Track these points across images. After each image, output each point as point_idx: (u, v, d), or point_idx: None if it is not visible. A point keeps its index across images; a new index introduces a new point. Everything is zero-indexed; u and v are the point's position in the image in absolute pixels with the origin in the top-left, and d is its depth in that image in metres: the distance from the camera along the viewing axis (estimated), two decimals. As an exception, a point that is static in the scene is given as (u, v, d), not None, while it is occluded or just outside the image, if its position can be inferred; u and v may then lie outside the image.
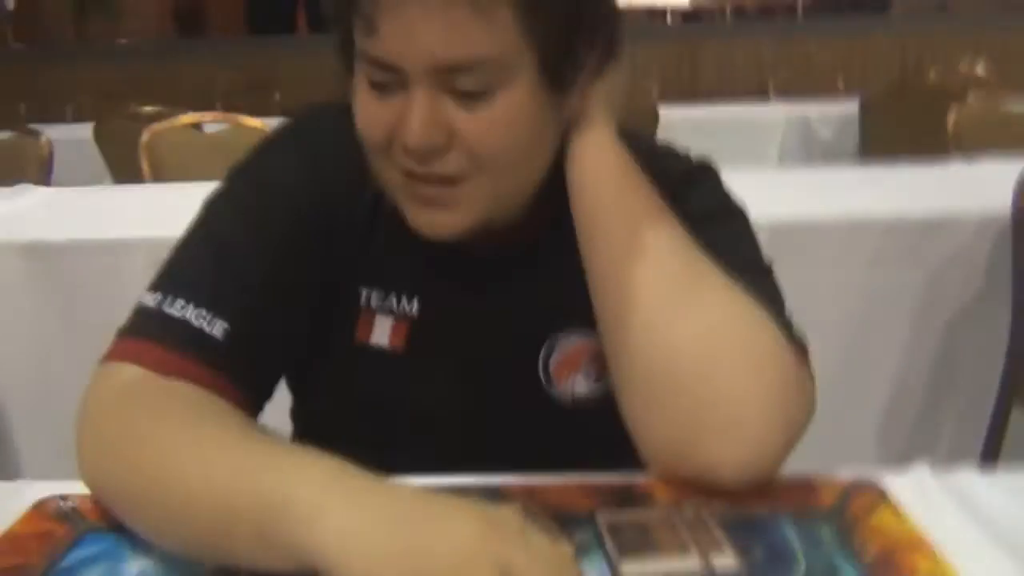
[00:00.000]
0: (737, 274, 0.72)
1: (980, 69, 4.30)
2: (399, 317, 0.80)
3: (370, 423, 0.84)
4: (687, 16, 7.50)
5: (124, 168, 3.21)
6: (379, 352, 0.81)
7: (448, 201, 0.70)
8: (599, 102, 0.75)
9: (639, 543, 0.61)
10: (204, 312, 0.69)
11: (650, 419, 0.70)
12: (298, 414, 0.93)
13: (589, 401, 0.83)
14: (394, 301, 0.80)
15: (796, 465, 0.70)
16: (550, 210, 0.78)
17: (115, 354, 0.69)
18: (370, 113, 0.70)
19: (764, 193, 1.90)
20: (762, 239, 1.64)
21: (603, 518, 0.64)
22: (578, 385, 0.83)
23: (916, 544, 0.59)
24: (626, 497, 0.67)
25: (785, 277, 1.67)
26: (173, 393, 0.66)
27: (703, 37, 5.96)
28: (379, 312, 0.80)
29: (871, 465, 0.70)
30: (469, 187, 0.70)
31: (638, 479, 0.69)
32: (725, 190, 0.84)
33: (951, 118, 2.51)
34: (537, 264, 0.82)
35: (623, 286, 0.71)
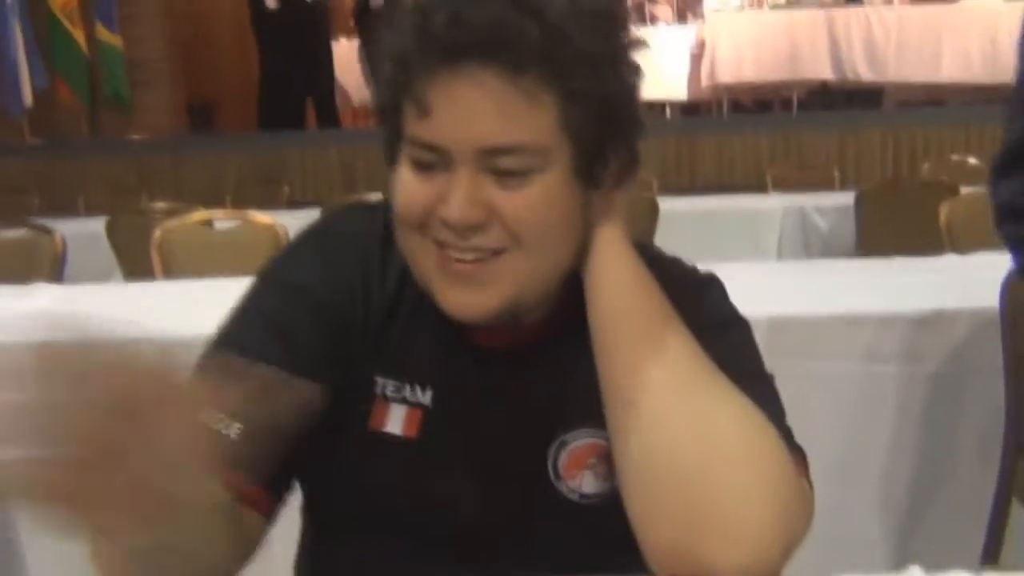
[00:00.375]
0: (741, 382, 0.74)
1: (972, 160, 4.41)
2: (413, 406, 0.83)
3: (381, 511, 0.86)
4: (685, 109, 7.71)
5: (135, 262, 3.28)
6: (393, 439, 0.83)
7: (480, 278, 0.74)
8: (621, 207, 0.80)
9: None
10: (222, 416, 0.73)
11: (651, 519, 0.72)
12: (309, 506, 0.95)
13: (596, 499, 0.85)
14: (408, 390, 0.83)
15: (791, 568, 0.71)
16: (566, 311, 0.82)
17: None
18: (412, 191, 0.74)
19: (763, 286, 1.96)
20: (761, 333, 1.68)
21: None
22: (586, 483, 0.85)
23: (909, 650, 0.60)
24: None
25: (783, 369, 1.71)
26: None
27: (701, 130, 6.12)
28: (393, 401, 0.83)
29: (867, 567, 0.71)
30: (502, 264, 0.74)
31: (640, 584, 0.71)
32: (729, 301, 0.88)
33: (943, 211, 2.58)
34: (550, 362, 0.84)
35: (632, 386, 0.74)
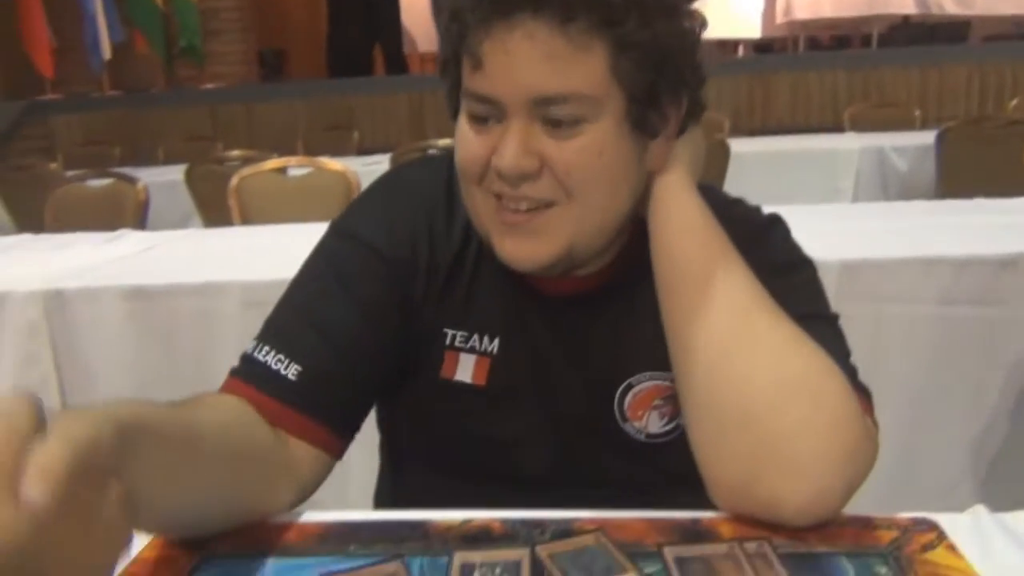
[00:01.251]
0: (804, 322, 0.76)
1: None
2: (481, 355, 0.87)
3: (454, 453, 0.91)
4: (759, 47, 7.49)
5: (213, 208, 3.38)
6: (463, 387, 0.87)
7: (533, 228, 0.76)
8: (683, 153, 0.80)
9: (704, 576, 0.65)
10: (283, 357, 0.80)
11: (717, 456, 0.74)
12: (386, 444, 1.01)
13: (661, 438, 0.88)
14: (477, 341, 0.87)
15: (862, 503, 0.73)
16: (629, 256, 0.85)
17: (222, 387, 0.81)
18: (469, 144, 0.77)
19: (836, 229, 1.93)
20: (833, 276, 1.66)
21: (670, 552, 0.68)
22: (651, 423, 0.88)
23: (971, 582, 0.62)
24: (692, 533, 0.71)
25: (856, 313, 1.69)
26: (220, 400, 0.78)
27: (775, 69, 5.95)
28: (463, 351, 0.87)
29: (939, 508, 0.72)
30: (554, 214, 0.75)
31: (704, 516, 0.73)
32: (794, 242, 0.89)
33: (1030, 150, 2.48)
34: (615, 307, 0.87)
35: (696, 328, 0.75)
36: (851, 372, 0.77)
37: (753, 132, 4.58)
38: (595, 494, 0.79)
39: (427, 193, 0.87)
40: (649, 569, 0.66)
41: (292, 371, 0.79)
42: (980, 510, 0.71)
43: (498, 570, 0.68)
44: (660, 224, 0.79)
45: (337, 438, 0.83)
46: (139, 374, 1.79)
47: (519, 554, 0.69)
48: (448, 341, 0.87)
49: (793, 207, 2.18)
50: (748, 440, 0.71)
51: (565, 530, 0.73)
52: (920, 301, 1.64)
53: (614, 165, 0.75)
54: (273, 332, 0.83)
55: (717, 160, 3.17)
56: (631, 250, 0.85)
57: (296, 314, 0.83)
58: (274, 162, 3.05)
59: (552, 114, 0.72)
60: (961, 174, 3.20)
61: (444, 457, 0.92)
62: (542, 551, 0.70)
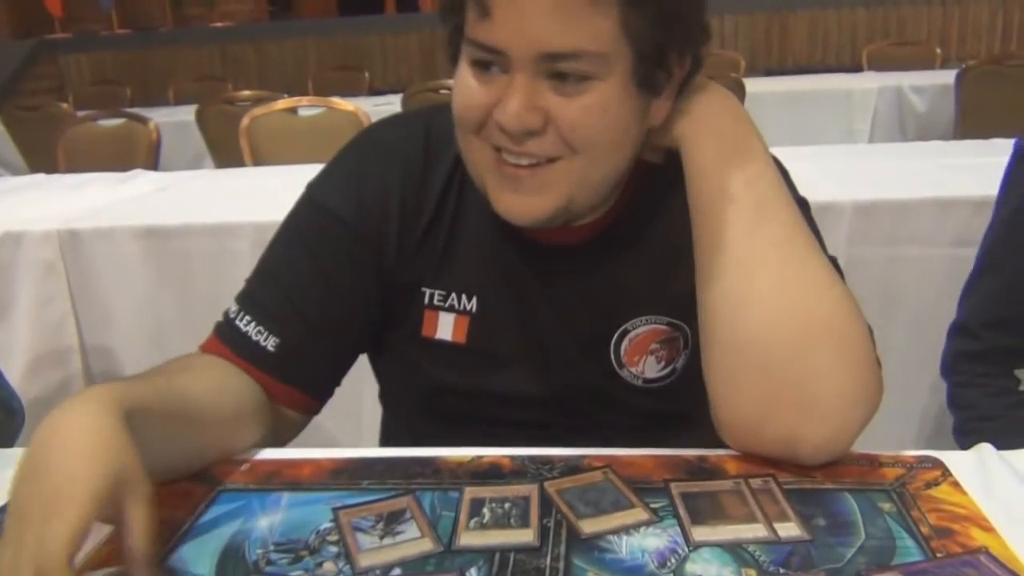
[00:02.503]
0: None
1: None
2: (460, 313, 0.87)
3: (443, 406, 0.93)
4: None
5: (224, 149, 3.38)
6: (444, 345, 0.88)
7: (535, 183, 0.75)
8: (709, 118, 0.78)
9: (710, 511, 0.66)
10: (262, 329, 0.84)
11: (737, 392, 0.74)
12: (384, 398, 1.04)
13: (658, 382, 0.89)
14: (455, 299, 0.87)
15: (872, 440, 0.74)
16: (622, 209, 0.84)
17: (204, 346, 0.86)
18: (470, 93, 0.74)
19: (851, 170, 1.91)
20: (847, 217, 1.64)
21: (676, 488, 0.69)
22: (648, 368, 0.88)
23: (974, 518, 0.63)
24: (698, 470, 0.72)
25: (868, 254, 1.68)
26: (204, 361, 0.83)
27: (793, 5, 5.82)
28: (441, 310, 0.88)
29: (946, 445, 0.73)
30: (556, 170, 0.74)
31: (710, 454, 0.74)
32: (791, 181, 0.87)
33: (1051, 90, 2.43)
34: (607, 257, 0.86)
35: (725, 263, 0.74)
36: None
37: (770, 71, 4.51)
38: (592, 437, 0.80)
39: (401, 153, 0.85)
40: (655, 504, 0.68)
41: (271, 343, 0.83)
42: (985, 448, 0.72)
43: (507, 505, 0.69)
44: (693, 165, 0.77)
45: (313, 399, 0.88)
46: (154, 312, 1.81)
47: (528, 489, 0.71)
48: (427, 300, 0.88)
49: (806, 148, 2.17)
50: (771, 379, 0.71)
51: (574, 467, 0.74)
52: (935, 243, 1.62)
53: (618, 123, 0.74)
54: (252, 300, 0.86)
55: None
56: (628, 201, 0.84)
57: (272, 284, 0.86)
58: (285, 102, 3.02)
59: (559, 69, 0.70)
60: (981, 114, 3.14)
61: (434, 407, 0.94)
62: (551, 487, 0.71)
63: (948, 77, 3.40)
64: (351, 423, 1.53)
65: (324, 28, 6.64)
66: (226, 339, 0.85)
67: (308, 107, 3.01)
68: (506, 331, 0.87)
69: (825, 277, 0.74)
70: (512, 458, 0.76)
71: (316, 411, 0.89)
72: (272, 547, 0.66)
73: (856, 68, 4.37)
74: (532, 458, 0.76)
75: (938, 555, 0.59)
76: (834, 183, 1.75)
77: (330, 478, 0.75)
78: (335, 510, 0.70)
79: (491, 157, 0.76)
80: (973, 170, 1.82)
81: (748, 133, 0.78)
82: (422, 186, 0.85)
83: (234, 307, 0.86)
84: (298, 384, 0.85)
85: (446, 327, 0.87)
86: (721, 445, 0.76)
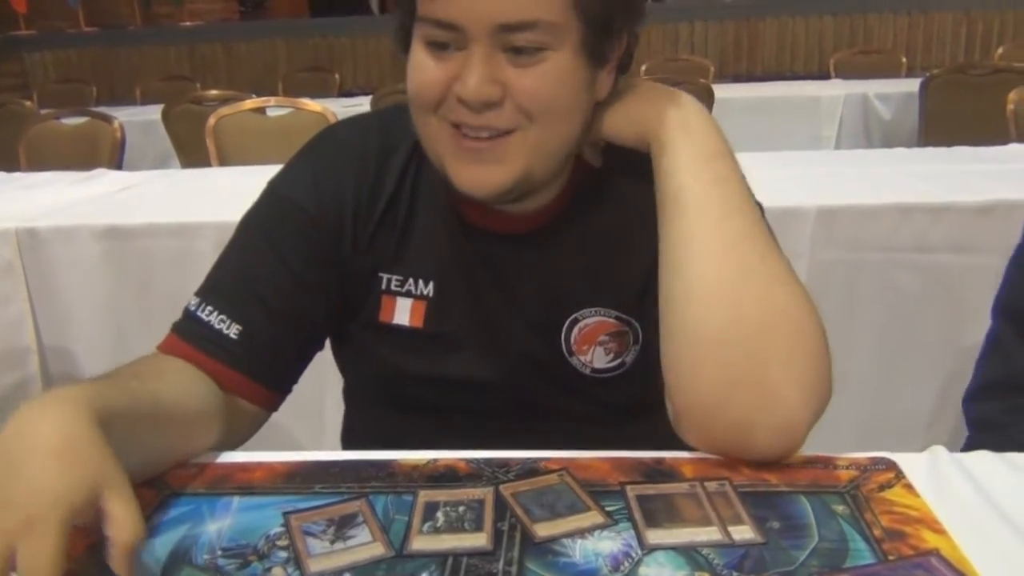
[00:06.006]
0: None
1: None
2: (416, 298, 0.89)
3: (402, 392, 0.93)
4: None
5: (190, 149, 3.34)
6: (402, 330, 0.89)
7: (495, 154, 0.77)
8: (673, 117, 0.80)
9: (664, 514, 0.66)
10: (224, 317, 0.83)
11: (694, 378, 0.74)
12: (346, 391, 1.03)
13: (607, 372, 0.90)
14: (411, 284, 0.89)
15: (831, 443, 0.74)
16: (569, 195, 0.86)
17: (162, 346, 0.85)
18: (427, 72, 0.76)
19: (816, 175, 1.93)
20: (811, 222, 1.66)
21: (632, 491, 0.69)
22: (597, 359, 0.90)
23: (925, 520, 0.63)
24: (654, 472, 0.72)
25: (831, 258, 1.69)
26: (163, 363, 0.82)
27: (762, 14, 5.88)
28: (399, 295, 0.89)
29: (910, 447, 0.74)
30: (514, 141, 0.76)
31: (666, 456, 0.74)
32: (748, 187, 0.88)
33: (1012, 99, 2.47)
34: (557, 244, 0.88)
35: (695, 255, 0.75)
36: None
37: (738, 77, 4.54)
38: (542, 427, 0.82)
39: (357, 149, 0.88)
40: (611, 507, 0.67)
41: (233, 331, 0.83)
42: (938, 450, 0.72)
43: (462, 508, 0.68)
44: (662, 162, 0.79)
45: (273, 393, 0.87)
46: (114, 313, 1.78)
47: (483, 493, 0.70)
48: (384, 286, 0.89)
49: (773, 154, 2.19)
50: (731, 366, 0.72)
51: (530, 469, 0.73)
52: (896, 248, 1.64)
53: (572, 93, 0.77)
54: (213, 291, 0.86)
55: (701, 103, 3.14)
56: (574, 186, 0.86)
57: (234, 275, 0.86)
58: (253, 102, 3.00)
59: (515, 42, 0.73)
60: (945, 122, 3.19)
61: (394, 395, 0.94)
62: (506, 490, 0.70)
63: (913, 85, 3.45)
64: (313, 425, 1.52)
65: (294, 29, 6.60)
66: (186, 335, 0.84)
67: (276, 107, 2.99)
68: (461, 316, 0.89)
69: (784, 272, 0.76)
70: (468, 461, 0.75)
71: (274, 407, 0.89)
72: (220, 552, 0.65)
73: (823, 75, 4.41)
74: (488, 461, 0.75)
75: (890, 557, 0.59)
76: (799, 188, 1.76)
77: (282, 482, 0.74)
78: (285, 514, 0.69)
79: (449, 134, 0.77)
80: (934, 177, 1.84)
81: (716, 135, 0.80)
82: (377, 178, 0.87)
83: (194, 300, 0.86)
84: (259, 376, 0.85)
85: (403, 312, 0.89)
86: (673, 437, 0.77)
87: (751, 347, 0.72)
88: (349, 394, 1.03)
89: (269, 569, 0.63)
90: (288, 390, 0.90)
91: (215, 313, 0.83)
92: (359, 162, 0.88)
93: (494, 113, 0.75)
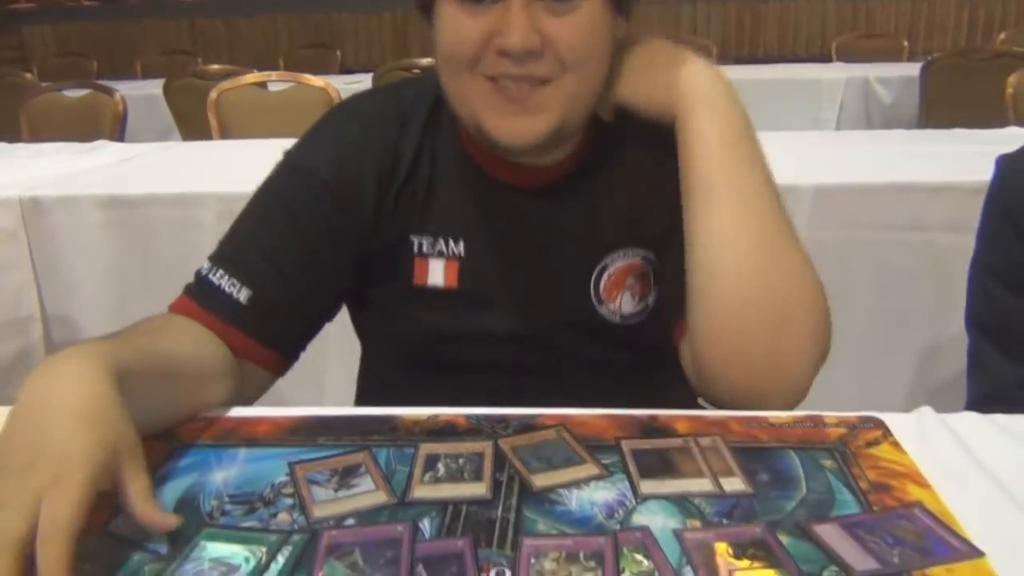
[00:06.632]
0: None
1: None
2: (449, 258, 0.90)
3: (432, 352, 0.94)
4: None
5: (192, 123, 3.34)
6: (436, 291, 0.90)
7: (533, 104, 0.79)
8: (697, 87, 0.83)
9: (658, 467, 0.68)
10: (236, 281, 0.84)
11: (725, 350, 0.80)
12: (364, 349, 1.04)
13: (634, 318, 0.92)
14: (443, 244, 0.90)
15: (835, 404, 0.77)
16: (590, 145, 0.89)
17: (173, 306, 0.86)
18: (463, 28, 0.78)
19: (815, 154, 1.94)
20: (809, 200, 1.67)
21: (627, 445, 0.71)
22: (625, 304, 0.92)
23: (910, 474, 0.65)
24: (649, 429, 0.74)
25: (829, 237, 1.71)
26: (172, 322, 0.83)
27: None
28: (431, 257, 0.90)
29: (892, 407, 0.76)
30: (551, 90, 0.79)
31: (661, 414, 0.76)
32: None
33: (1010, 82, 2.48)
34: (581, 193, 0.90)
35: (725, 242, 0.80)
36: None
37: (741, 59, 4.54)
38: (572, 381, 0.85)
39: (374, 117, 0.90)
40: (606, 460, 0.69)
41: (243, 295, 0.84)
42: (925, 411, 0.74)
43: (461, 460, 0.70)
44: (689, 136, 0.82)
45: (282, 358, 0.89)
46: (116, 282, 1.80)
47: (483, 446, 0.72)
48: (416, 249, 0.90)
49: (773, 133, 2.20)
50: (754, 342, 0.79)
51: (528, 425, 0.75)
52: (893, 227, 1.66)
53: (603, 40, 0.80)
54: (227, 256, 0.87)
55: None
56: (591, 138, 0.89)
57: (248, 241, 0.88)
58: (254, 76, 3.00)
59: None
60: (944, 106, 3.19)
61: (426, 356, 0.95)
62: (504, 444, 0.72)
63: (914, 69, 3.45)
64: (313, 392, 1.54)
65: (296, 5, 6.57)
66: (197, 297, 0.86)
67: (278, 82, 2.99)
68: (493, 272, 0.90)
69: (801, 255, 0.82)
70: (468, 417, 0.77)
71: (282, 372, 0.90)
72: (227, 499, 0.66)
73: (825, 59, 4.41)
74: (487, 417, 0.77)
75: (875, 508, 0.62)
76: (798, 167, 1.78)
77: (287, 435, 0.76)
78: (291, 464, 0.71)
79: (487, 89, 0.79)
80: (932, 157, 1.85)
81: (739, 110, 0.83)
82: (398, 144, 0.89)
83: (207, 264, 0.87)
84: (268, 340, 0.86)
85: (437, 273, 0.90)
86: (687, 387, 0.83)
87: (774, 327, 0.79)
88: (365, 353, 1.04)
89: (275, 515, 0.64)
90: (295, 357, 0.91)
91: (226, 277, 0.85)
92: (378, 129, 0.89)
93: (535, 63, 0.77)
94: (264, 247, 0.86)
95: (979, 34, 5.14)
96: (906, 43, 4.50)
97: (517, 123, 0.80)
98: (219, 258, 0.87)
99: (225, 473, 0.70)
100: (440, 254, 0.90)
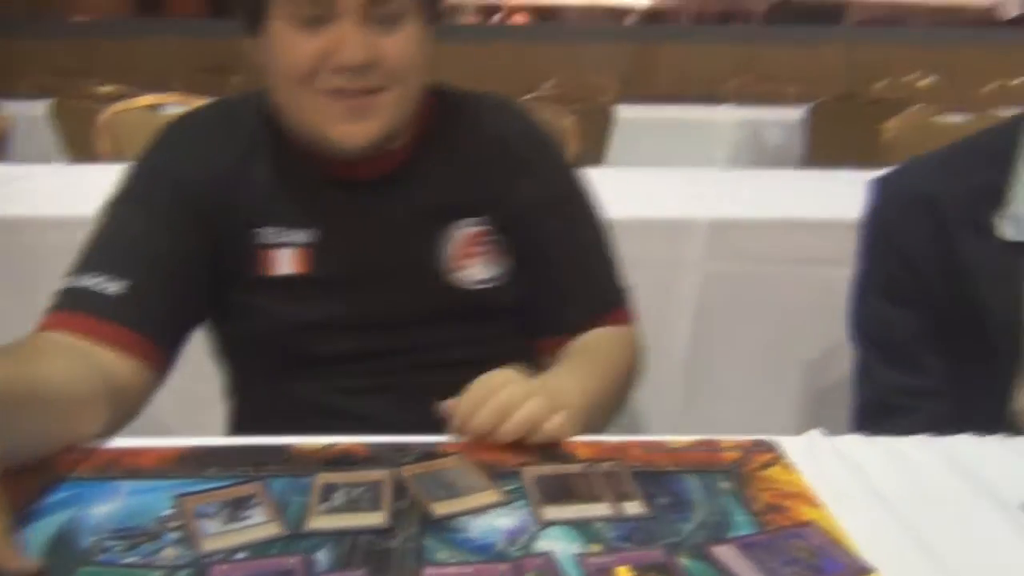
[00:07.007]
0: (599, 243, 1.02)
1: (927, 82, 4.45)
2: (297, 246, 0.93)
3: (292, 348, 0.95)
4: (648, 17, 7.61)
5: (78, 146, 3.20)
6: (285, 280, 0.93)
7: (369, 111, 0.87)
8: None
9: (559, 492, 0.67)
10: (103, 278, 0.85)
11: None
12: (222, 354, 1.03)
13: (490, 282, 0.97)
14: (289, 235, 0.93)
15: (725, 427, 0.79)
16: (422, 131, 0.96)
17: (42, 326, 0.85)
18: (299, 48, 0.84)
19: (708, 191, 2.00)
20: (704, 234, 1.72)
21: (528, 472, 0.71)
22: (478, 270, 0.96)
23: (802, 495, 0.67)
24: (550, 455, 0.74)
25: (721, 269, 1.76)
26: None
27: (661, 40, 6.05)
28: (277, 247, 0.93)
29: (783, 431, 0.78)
30: (384, 98, 0.87)
31: (563, 441, 0.76)
32: (592, 202, 1.07)
33: (889, 127, 2.62)
34: (420, 175, 0.96)
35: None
36: (622, 285, 1.03)
37: (637, 99, 4.65)
38: (436, 357, 0.92)
39: (210, 121, 0.96)
40: (508, 487, 0.69)
41: (114, 288, 0.85)
42: (815, 434, 0.77)
43: (360, 489, 0.69)
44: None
45: (158, 349, 0.87)
46: (-4, 306, 1.69)
47: (382, 475, 0.71)
48: (261, 241, 0.92)
49: (669, 169, 2.27)
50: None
51: (428, 452, 0.74)
52: (783, 260, 1.72)
53: (424, 53, 0.89)
54: (89, 261, 0.87)
55: (601, 123, 3.23)
56: (422, 129, 0.95)
57: (108, 242, 0.89)
58: (148, 98, 2.90)
59: (381, 12, 0.84)
60: (828, 147, 3.35)
61: (283, 351, 0.96)
62: (405, 472, 0.71)
63: (800, 113, 3.61)
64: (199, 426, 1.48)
65: (193, 28, 6.42)
66: (65, 305, 0.85)
67: (173, 105, 2.90)
68: (343, 258, 0.94)
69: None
70: (367, 445, 0.76)
71: (162, 369, 0.88)
72: (107, 534, 0.63)
73: (717, 101, 4.58)
74: (386, 445, 0.76)
75: (769, 528, 0.63)
76: (692, 202, 1.83)
77: (174, 466, 0.73)
78: (178, 496, 0.67)
79: (324, 101, 0.86)
80: (818, 195, 1.94)
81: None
82: (231, 149, 0.93)
83: (68, 278, 0.87)
84: (147, 329, 0.85)
85: (284, 261, 0.93)
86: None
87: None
88: (224, 358, 1.03)
89: (160, 550, 0.61)
90: (174, 352, 0.90)
91: (90, 275, 0.85)
92: (214, 131, 0.94)
93: (368, 76, 0.85)
94: (125, 243, 0.88)
95: (861, 81, 5.43)
96: (793, 88, 4.72)
97: (354, 128, 0.87)
98: (82, 265, 0.87)
99: (106, 507, 0.67)
100: (287, 244, 0.93)
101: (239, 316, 0.96)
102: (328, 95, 0.86)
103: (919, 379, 1.00)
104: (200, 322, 0.97)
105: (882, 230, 1.05)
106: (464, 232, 0.96)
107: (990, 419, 0.98)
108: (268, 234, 0.93)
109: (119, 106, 2.82)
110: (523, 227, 0.98)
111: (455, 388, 0.76)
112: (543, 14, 7.67)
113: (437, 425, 0.77)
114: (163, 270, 0.88)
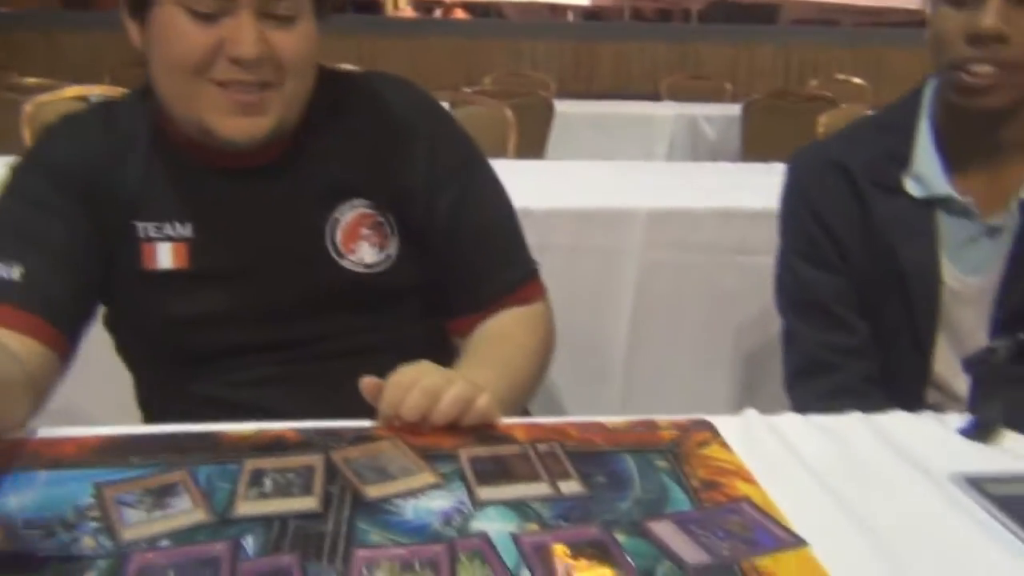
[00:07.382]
0: (501, 223, 0.99)
1: (858, 80, 4.55)
2: (177, 240, 0.91)
3: (183, 343, 0.93)
4: (588, 15, 7.66)
5: (4, 138, 3.09)
6: (166, 274, 0.91)
7: (260, 107, 0.85)
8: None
9: (496, 473, 0.66)
10: (2, 264, 0.84)
11: None
12: (120, 350, 1.00)
13: (379, 266, 0.95)
14: (169, 228, 0.91)
15: (662, 407, 0.79)
16: (304, 118, 0.93)
17: None
18: (191, 38, 0.83)
19: (649, 182, 2.02)
20: (642, 224, 1.73)
21: (465, 453, 0.69)
22: (366, 254, 0.94)
23: (738, 472, 0.67)
24: (487, 437, 0.73)
25: (661, 259, 1.77)
26: None
27: (601, 37, 6.09)
28: (158, 241, 0.91)
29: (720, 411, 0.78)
30: (275, 94, 0.86)
31: (500, 423, 0.75)
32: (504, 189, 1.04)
33: (821, 123, 2.67)
34: (301, 162, 0.94)
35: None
36: (531, 261, 1.01)
37: (577, 95, 4.67)
38: (336, 347, 0.91)
39: (88, 120, 0.95)
40: (444, 469, 0.67)
41: (15, 272, 0.84)
42: (751, 413, 0.77)
43: (291, 475, 0.67)
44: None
45: (58, 334, 0.85)
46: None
47: (314, 460, 0.69)
48: (141, 234, 0.91)
49: (609, 162, 2.28)
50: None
51: (362, 436, 0.73)
52: (720, 249, 1.74)
53: (315, 49, 0.89)
54: None
55: (542, 118, 3.23)
56: (305, 119, 0.93)
57: (2, 232, 0.88)
58: (75, 90, 2.82)
59: (277, 9, 0.84)
60: (763, 143, 3.41)
61: (175, 348, 0.94)
62: (337, 456, 0.69)
63: (736, 109, 3.68)
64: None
65: (120, 22, 6.25)
66: None
67: (100, 96, 2.82)
68: (225, 251, 0.92)
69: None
70: (298, 431, 0.74)
71: (65, 353, 0.87)
72: (21, 523, 0.60)
73: (656, 97, 4.62)
74: (319, 430, 0.74)
75: (706, 505, 0.63)
76: (631, 193, 1.84)
77: (94, 456, 0.70)
78: (97, 485, 0.65)
79: (215, 93, 0.84)
80: (753, 187, 1.96)
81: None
82: (108, 145, 0.91)
83: None
84: (49, 313, 0.84)
85: (165, 255, 0.91)
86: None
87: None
88: (121, 354, 1.01)
89: (77, 539, 0.59)
90: (73, 337, 0.88)
91: None
92: (93, 126, 0.93)
93: (262, 69, 0.84)
94: (19, 232, 0.87)
95: (794, 79, 5.54)
96: (729, 85, 4.79)
97: (244, 123, 0.86)
98: None
99: (19, 497, 0.63)
100: (167, 238, 0.91)
101: (127, 310, 0.94)
102: (220, 87, 0.84)
103: (843, 337, 1.04)
104: (95, 309, 0.94)
105: (800, 198, 1.09)
106: (352, 214, 0.94)
107: (913, 379, 1.02)
108: (149, 228, 0.91)
109: (45, 97, 2.74)
110: (420, 204, 0.95)
111: (366, 374, 0.75)
112: (482, 10, 7.66)
113: (346, 413, 0.75)
114: (54, 255, 0.87)
